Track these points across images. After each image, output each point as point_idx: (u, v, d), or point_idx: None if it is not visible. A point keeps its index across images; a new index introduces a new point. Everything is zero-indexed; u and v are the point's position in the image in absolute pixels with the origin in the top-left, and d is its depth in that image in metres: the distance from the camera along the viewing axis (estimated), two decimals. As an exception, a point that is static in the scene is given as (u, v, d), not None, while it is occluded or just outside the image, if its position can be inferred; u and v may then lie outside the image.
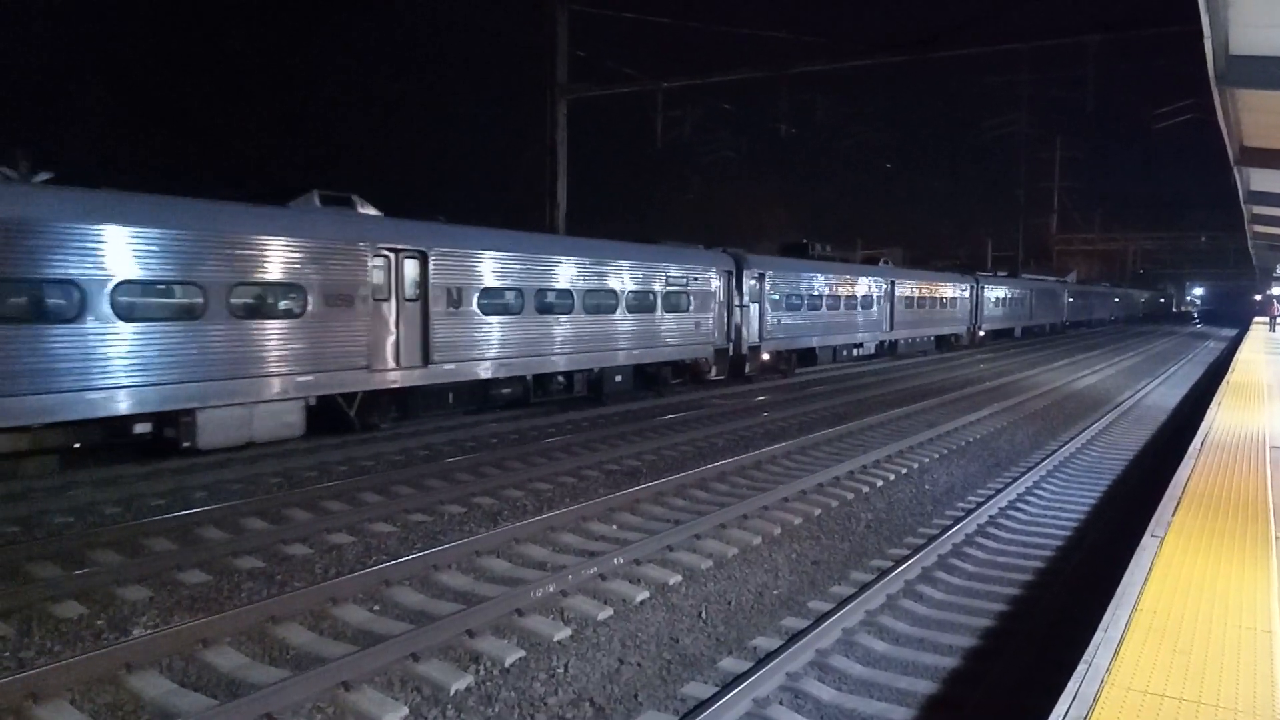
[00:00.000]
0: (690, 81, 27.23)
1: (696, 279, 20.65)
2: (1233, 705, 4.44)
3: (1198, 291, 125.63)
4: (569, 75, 26.38)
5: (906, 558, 8.70)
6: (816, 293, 25.95)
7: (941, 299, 36.26)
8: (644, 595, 7.75)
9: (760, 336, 23.33)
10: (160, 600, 7.46)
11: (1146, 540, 7.15)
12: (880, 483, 12.31)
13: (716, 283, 21.43)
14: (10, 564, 8.05)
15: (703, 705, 5.64)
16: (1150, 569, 6.45)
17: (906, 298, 32.65)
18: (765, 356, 23.77)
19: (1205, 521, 7.79)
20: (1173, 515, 7.96)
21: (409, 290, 14.29)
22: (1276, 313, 49.13)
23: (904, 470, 13.13)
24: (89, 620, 6.99)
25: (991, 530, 10.16)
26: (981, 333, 40.89)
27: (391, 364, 14.03)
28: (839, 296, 27.37)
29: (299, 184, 13.77)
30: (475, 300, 15.29)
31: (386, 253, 13.90)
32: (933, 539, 9.39)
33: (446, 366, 14.86)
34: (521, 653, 6.51)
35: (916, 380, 25.65)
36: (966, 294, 38.81)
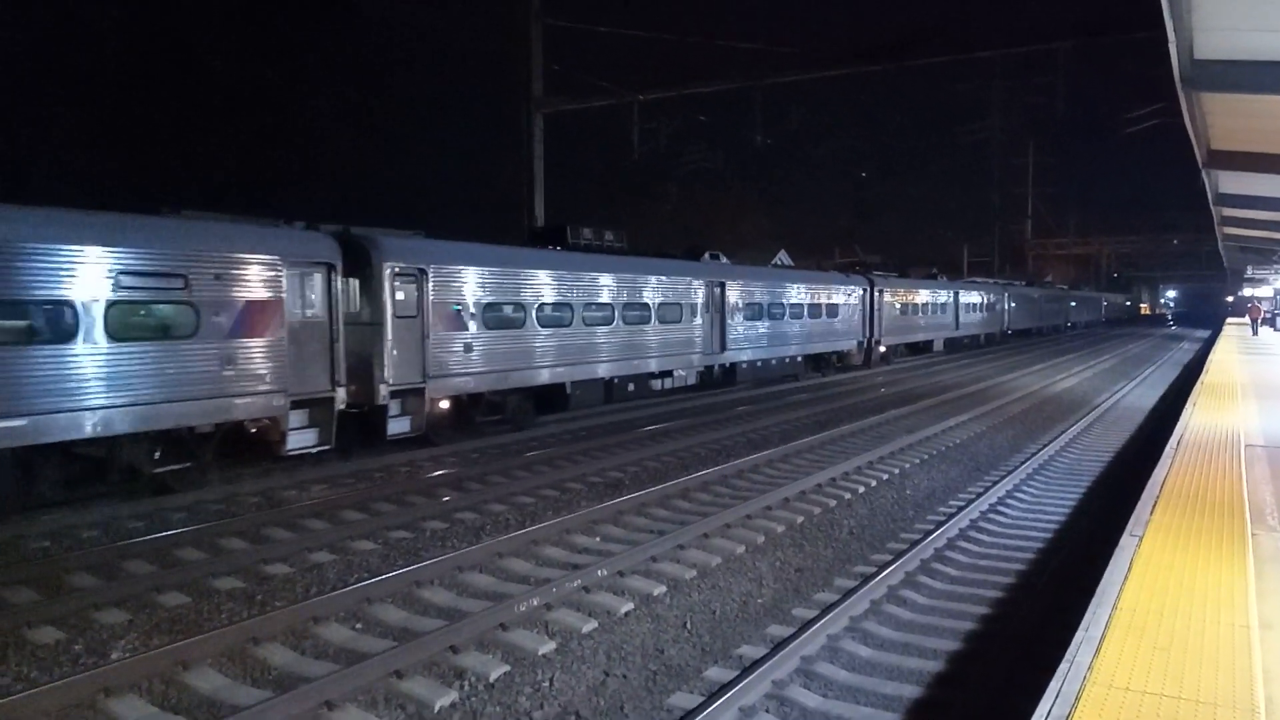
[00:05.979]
0: (666, 94, 27.39)
1: (222, 279, 11.56)
2: (1212, 700, 4.48)
3: (1171, 294, 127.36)
4: (545, 89, 26.49)
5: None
6: (561, 300, 17.28)
7: (813, 306, 27.77)
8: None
9: (425, 373, 14.32)
10: (139, 623, 7.36)
11: (1125, 539, 7.23)
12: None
13: (294, 287, 12.54)
14: (-16, 590, 7.92)
15: (689, 715, 5.64)
16: (1130, 568, 6.52)
17: (749, 305, 24.05)
18: (443, 405, 15.05)
19: (1183, 520, 7.88)
20: (1151, 514, 8.05)
21: None
22: (1257, 315, 45.82)
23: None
24: (66, 645, 6.89)
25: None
26: (882, 348, 33.37)
27: None
28: (611, 306, 18.64)
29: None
30: None
31: None
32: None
33: None
34: (506, 667, 6.49)
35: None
36: (855, 299, 30.85)
